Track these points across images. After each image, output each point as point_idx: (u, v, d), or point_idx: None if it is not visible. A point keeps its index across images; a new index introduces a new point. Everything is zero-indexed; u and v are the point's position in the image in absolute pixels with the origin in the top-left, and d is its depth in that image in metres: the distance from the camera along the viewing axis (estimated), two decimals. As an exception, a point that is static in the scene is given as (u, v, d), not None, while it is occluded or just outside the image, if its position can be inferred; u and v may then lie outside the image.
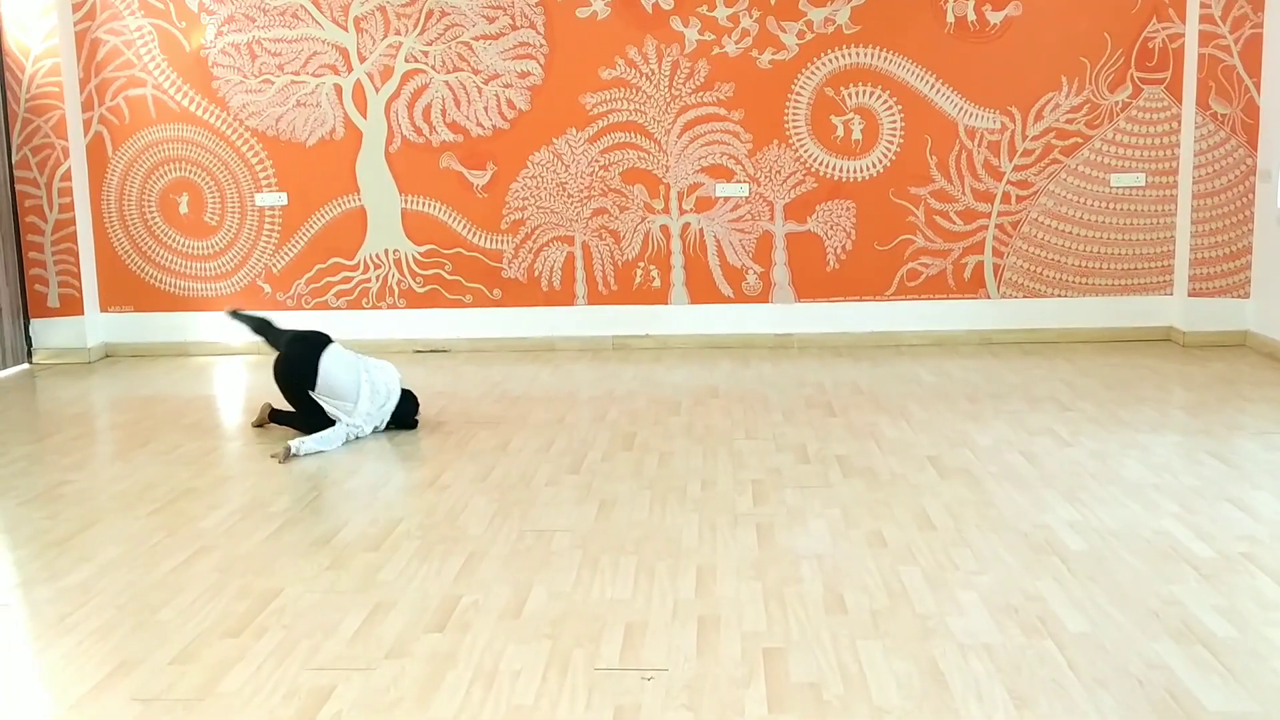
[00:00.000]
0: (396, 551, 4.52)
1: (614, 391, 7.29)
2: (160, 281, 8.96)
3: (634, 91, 8.46)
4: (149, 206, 8.88)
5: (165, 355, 8.92)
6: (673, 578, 4.18)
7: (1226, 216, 8.02)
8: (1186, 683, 3.29)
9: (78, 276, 8.72)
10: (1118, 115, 8.23)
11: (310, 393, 6.17)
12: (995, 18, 8.20)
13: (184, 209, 8.87)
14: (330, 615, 3.92)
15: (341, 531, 4.78)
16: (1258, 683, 3.29)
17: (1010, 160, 8.32)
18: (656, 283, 8.66)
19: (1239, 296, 8.06)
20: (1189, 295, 8.14)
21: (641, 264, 8.64)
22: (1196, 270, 8.11)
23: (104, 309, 8.98)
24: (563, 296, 8.73)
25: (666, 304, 8.67)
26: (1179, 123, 8.19)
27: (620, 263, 8.67)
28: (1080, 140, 8.27)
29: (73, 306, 8.74)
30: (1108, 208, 8.31)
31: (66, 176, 8.62)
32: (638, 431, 6.28)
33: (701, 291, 8.63)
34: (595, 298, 8.71)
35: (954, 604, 3.87)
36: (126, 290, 8.97)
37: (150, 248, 8.92)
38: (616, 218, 8.60)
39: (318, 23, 8.54)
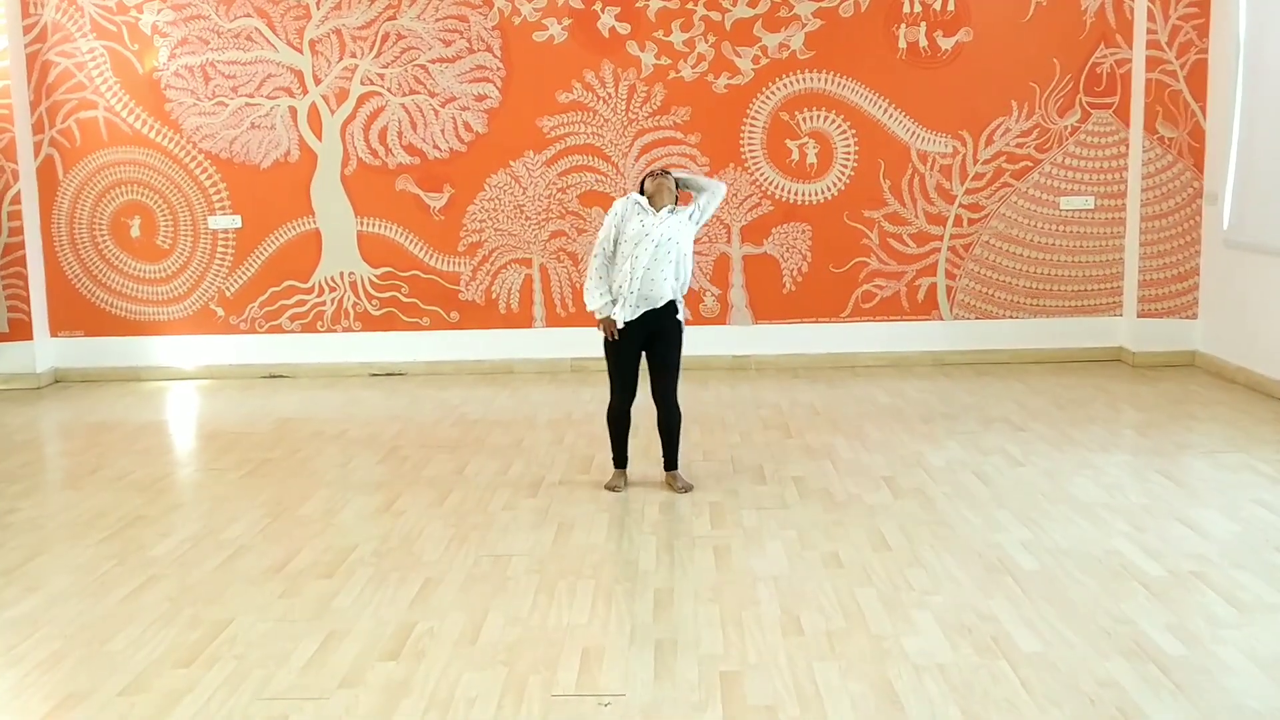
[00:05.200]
0: (351, 579, 4.48)
1: (572, 414, 7.28)
2: (112, 306, 8.85)
3: (591, 115, 8.49)
4: (100, 230, 8.78)
5: (117, 380, 8.80)
6: (630, 601, 4.18)
7: (1174, 239, 8.17)
8: (1137, 700, 3.33)
9: (27, 301, 8.59)
10: (1067, 139, 8.37)
11: None
12: (947, 44, 8.31)
13: (136, 232, 8.78)
14: (283, 644, 3.87)
15: (295, 559, 4.73)
16: (1207, 700, 3.33)
17: (962, 184, 8.43)
18: (614, 305, 8.65)
19: (1187, 317, 8.20)
20: (1138, 316, 8.27)
21: (599, 286, 8.63)
22: (1145, 291, 8.24)
23: (54, 334, 8.85)
24: (521, 319, 8.72)
25: (624, 326, 8.66)
26: (1127, 146, 8.33)
27: (578, 285, 8.66)
28: (1030, 164, 8.39)
29: (22, 331, 8.60)
30: (1058, 230, 8.44)
31: (16, 200, 8.50)
32: (595, 454, 6.27)
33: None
34: (553, 320, 8.71)
35: (908, 624, 3.89)
36: (77, 315, 8.85)
37: (101, 272, 8.82)
38: (574, 240, 8.61)
39: (272, 45, 8.51)
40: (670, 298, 5.45)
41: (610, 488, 5.60)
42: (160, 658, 3.80)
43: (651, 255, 5.35)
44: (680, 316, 5.53)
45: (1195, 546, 4.59)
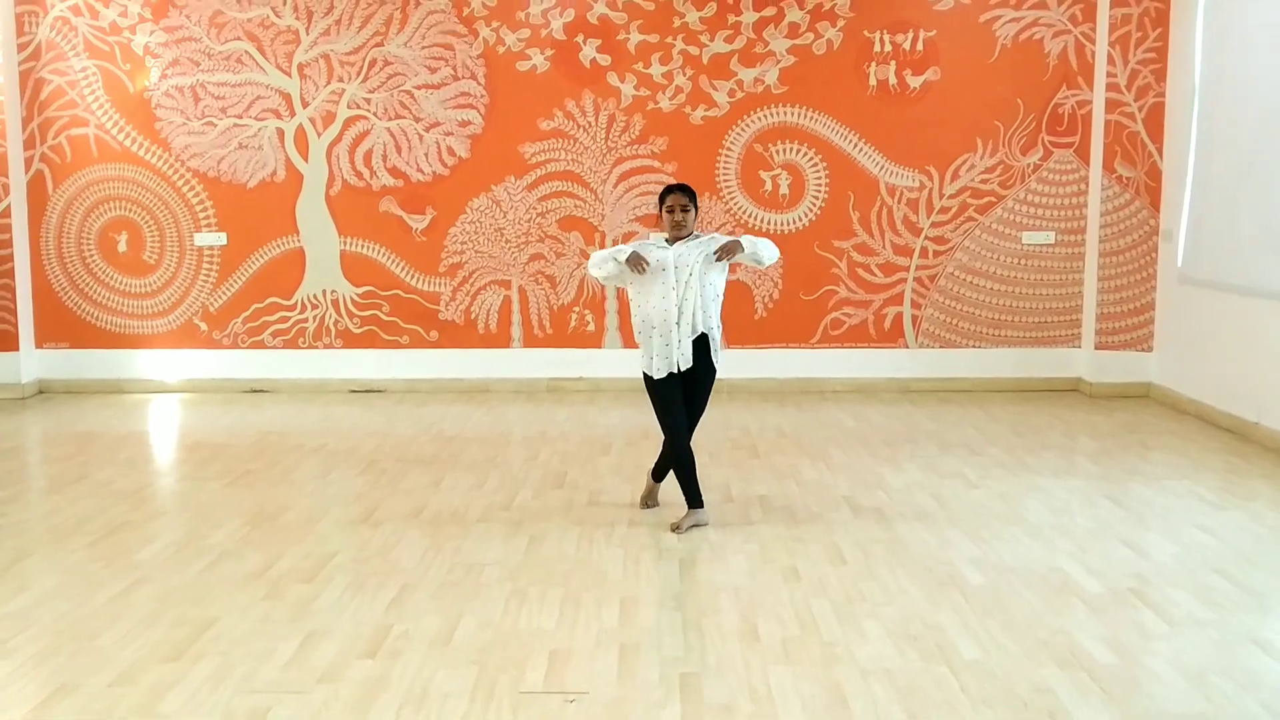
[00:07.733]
0: (330, 583, 4.67)
1: (547, 432, 7.49)
2: (97, 319, 9.02)
3: (571, 142, 8.75)
4: (88, 244, 8.96)
5: (100, 392, 8.96)
6: (597, 608, 4.38)
7: (1131, 274, 8.47)
8: (1067, 704, 3.56)
9: (14, 312, 8.75)
10: (1029, 176, 8.68)
11: None
12: (915, 82, 8.62)
13: (123, 247, 8.96)
14: (265, 642, 4.06)
15: (276, 564, 4.91)
16: (1133, 706, 3.57)
17: (928, 217, 8.72)
18: (591, 327, 8.90)
19: (1142, 350, 8.50)
20: (1096, 348, 8.57)
21: (576, 309, 8.88)
22: (1103, 325, 8.54)
23: (39, 345, 9.01)
24: (499, 339, 8.94)
25: (600, 348, 8.91)
26: (1087, 184, 8.65)
27: (556, 307, 8.90)
28: (994, 199, 8.70)
29: (8, 342, 8.76)
30: (1019, 264, 8.74)
31: (6, 213, 8.68)
32: (569, 470, 6.49)
33: (635, 336, 8.86)
34: (531, 341, 8.93)
35: (859, 633, 4.12)
36: (63, 327, 9.01)
37: (88, 285, 8.99)
38: (552, 263, 8.84)
39: (261, 68, 8.73)
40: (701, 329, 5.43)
41: (676, 528, 5.36)
42: (148, 653, 3.98)
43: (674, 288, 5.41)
44: (714, 359, 5.52)
45: (1135, 566, 4.84)
